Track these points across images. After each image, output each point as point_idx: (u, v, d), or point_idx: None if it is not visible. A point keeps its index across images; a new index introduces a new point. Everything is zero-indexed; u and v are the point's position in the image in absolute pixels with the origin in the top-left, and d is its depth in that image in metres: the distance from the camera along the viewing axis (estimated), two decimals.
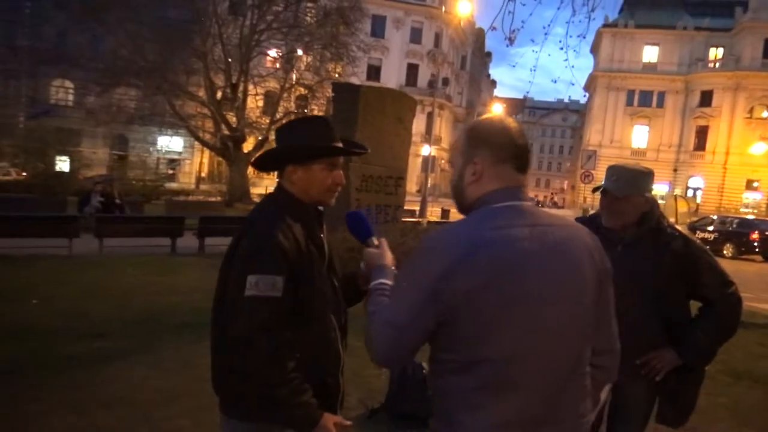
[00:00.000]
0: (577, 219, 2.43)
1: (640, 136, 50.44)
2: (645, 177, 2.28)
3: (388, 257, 1.67)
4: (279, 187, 1.72)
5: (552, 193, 74.07)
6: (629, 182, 2.24)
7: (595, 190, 2.35)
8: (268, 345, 1.47)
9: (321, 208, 1.74)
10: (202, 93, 23.38)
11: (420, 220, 15.39)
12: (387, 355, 1.29)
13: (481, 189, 1.34)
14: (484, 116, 1.43)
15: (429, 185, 28.14)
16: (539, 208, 1.34)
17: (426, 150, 32.12)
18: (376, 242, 1.72)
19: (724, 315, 2.21)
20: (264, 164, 1.79)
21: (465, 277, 1.18)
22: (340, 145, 1.72)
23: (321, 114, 23.66)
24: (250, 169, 23.18)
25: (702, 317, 2.24)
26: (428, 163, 28.52)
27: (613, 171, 2.29)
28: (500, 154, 1.33)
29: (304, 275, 1.58)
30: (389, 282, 1.51)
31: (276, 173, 1.75)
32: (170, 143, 34.52)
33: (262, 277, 1.49)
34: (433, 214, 24.30)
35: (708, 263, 2.21)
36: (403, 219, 10.06)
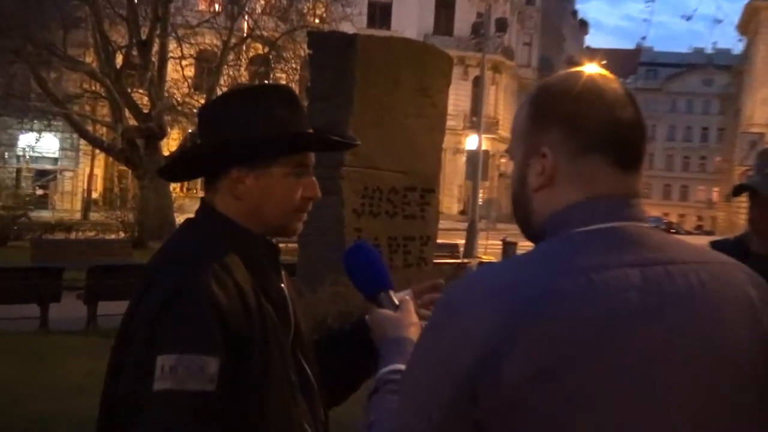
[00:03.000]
0: (713, 244, 2.42)
1: None
2: None
3: (414, 327, 1.68)
4: (207, 208, 1.76)
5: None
6: None
7: (737, 191, 2.38)
8: None
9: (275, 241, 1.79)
10: (90, 58, 23.78)
11: (466, 261, 15.46)
12: None
13: (555, 200, 1.32)
14: (560, 73, 1.41)
15: (480, 201, 28.10)
16: (660, 234, 1.30)
17: (473, 142, 31.89)
18: (394, 299, 1.75)
19: None
20: (184, 170, 1.86)
21: (521, 358, 1.14)
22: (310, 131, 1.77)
23: (294, 86, 23.75)
24: (176, 185, 23.35)
25: None
26: (477, 164, 28.12)
27: (766, 158, 2.34)
28: (586, 137, 1.30)
29: (254, 353, 1.58)
30: None
31: (204, 184, 1.78)
32: (39, 144, 34.82)
33: (182, 359, 1.48)
34: (490, 250, 24.08)
35: None
36: (437, 260, 9.97)
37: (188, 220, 1.79)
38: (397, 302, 1.74)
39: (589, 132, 1.30)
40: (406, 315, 1.71)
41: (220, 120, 1.75)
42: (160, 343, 1.48)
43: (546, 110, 1.34)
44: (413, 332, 1.65)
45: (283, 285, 1.75)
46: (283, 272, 1.80)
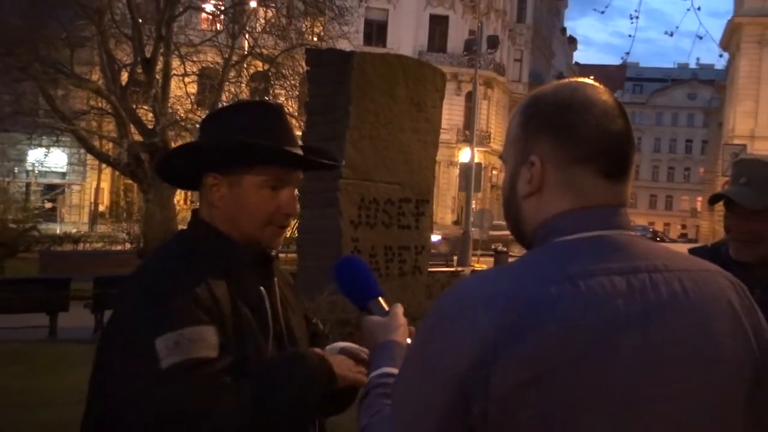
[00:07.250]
0: (692, 251, 2.40)
1: None
2: None
3: (401, 330, 1.67)
4: (194, 218, 1.82)
5: None
6: None
7: (713, 200, 2.42)
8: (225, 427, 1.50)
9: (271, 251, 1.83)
10: (96, 76, 23.64)
11: (459, 269, 15.40)
12: None
13: (544, 208, 1.32)
14: (552, 83, 1.42)
15: (473, 212, 28.15)
16: (645, 242, 1.31)
17: (466, 155, 31.88)
18: (384, 305, 1.75)
19: None
20: (173, 172, 1.90)
21: (512, 365, 1.13)
22: (298, 151, 1.79)
23: (292, 101, 23.81)
24: (179, 196, 23.32)
25: None
26: (470, 176, 28.03)
27: (744, 168, 2.34)
28: (575, 147, 1.30)
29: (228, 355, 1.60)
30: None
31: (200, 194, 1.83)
32: (47, 159, 34.76)
33: (182, 333, 1.51)
34: (483, 259, 24.17)
35: None
36: (432, 269, 10.13)
37: (178, 231, 1.86)
38: (387, 308, 1.73)
39: (579, 142, 1.29)
40: (393, 319, 1.69)
41: (205, 128, 1.85)
42: (153, 327, 1.51)
43: (536, 119, 1.33)
44: (401, 335, 1.65)
45: (262, 288, 1.76)
46: (276, 280, 1.83)
